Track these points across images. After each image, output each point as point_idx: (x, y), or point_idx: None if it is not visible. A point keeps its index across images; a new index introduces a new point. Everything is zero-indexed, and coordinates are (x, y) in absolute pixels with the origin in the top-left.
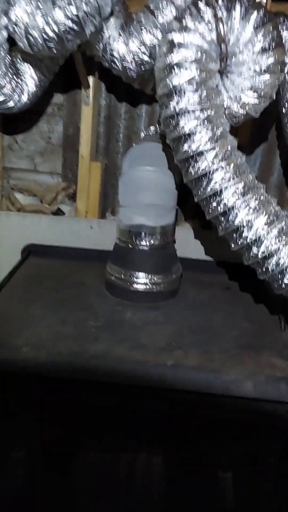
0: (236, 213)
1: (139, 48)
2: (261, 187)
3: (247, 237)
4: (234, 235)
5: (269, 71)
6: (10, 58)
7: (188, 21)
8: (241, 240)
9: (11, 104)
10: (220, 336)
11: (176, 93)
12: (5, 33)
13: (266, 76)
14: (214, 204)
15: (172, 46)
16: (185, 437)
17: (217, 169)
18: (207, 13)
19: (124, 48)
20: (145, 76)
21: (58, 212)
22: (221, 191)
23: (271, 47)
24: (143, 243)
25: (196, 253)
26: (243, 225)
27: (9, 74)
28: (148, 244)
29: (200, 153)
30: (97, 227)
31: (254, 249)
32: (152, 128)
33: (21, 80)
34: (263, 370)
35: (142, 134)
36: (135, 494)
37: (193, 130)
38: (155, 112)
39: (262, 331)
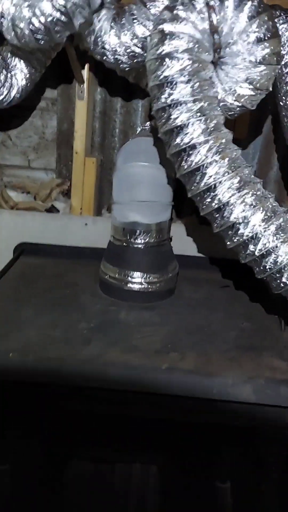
0: (232, 209)
1: (131, 40)
2: (257, 182)
3: (243, 234)
4: (230, 232)
5: (264, 62)
6: None
7: (180, 11)
8: (237, 237)
9: None
10: (218, 337)
11: (167, 85)
12: None
13: (262, 67)
14: (208, 199)
15: (163, 36)
16: (182, 445)
17: (211, 163)
18: (199, 2)
19: (116, 40)
20: (140, 69)
21: (52, 209)
22: (215, 185)
23: (266, 37)
24: (138, 241)
25: (193, 250)
26: (238, 222)
27: None
28: (143, 242)
29: (193, 146)
30: (92, 225)
31: (251, 247)
32: (149, 123)
33: (11, 74)
34: (263, 372)
35: (139, 129)
36: (130, 505)
37: (186, 122)
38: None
39: (262, 331)
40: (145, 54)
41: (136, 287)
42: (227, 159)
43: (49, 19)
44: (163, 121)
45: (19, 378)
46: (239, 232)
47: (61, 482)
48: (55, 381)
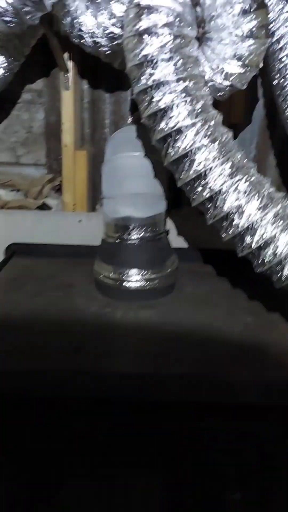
0: (224, 198)
1: (109, 20)
2: (251, 167)
3: (238, 224)
4: (224, 223)
5: (252, 36)
6: None
7: None
8: (232, 228)
9: None
10: (222, 334)
11: (147, 64)
12: None
13: (250, 42)
14: (199, 188)
15: (140, 10)
16: (186, 454)
17: (199, 148)
18: None
19: (93, 21)
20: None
21: (44, 207)
22: (205, 173)
23: (252, 8)
24: (132, 236)
25: (193, 242)
26: (232, 212)
27: None
28: (137, 238)
29: (179, 130)
30: (87, 221)
31: (248, 239)
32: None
33: None
34: (269, 372)
35: (130, 119)
36: None
37: (169, 104)
38: None
39: (268, 326)
40: None
41: (133, 285)
42: (217, 142)
43: None
44: (145, 104)
45: (4, 391)
46: (234, 223)
47: (55, 505)
48: (45, 394)
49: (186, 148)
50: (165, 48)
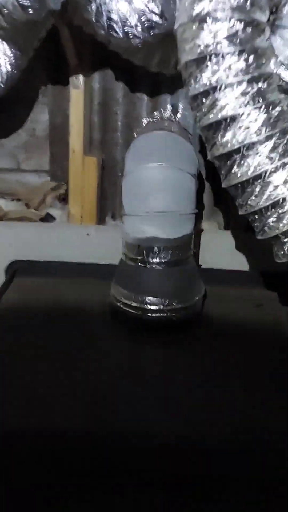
0: None
1: (147, 6)
2: None
3: None
4: None
5: None
6: None
7: None
8: None
9: None
10: (259, 375)
11: (210, 58)
12: None
13: None
14: (273, 218)
15: None
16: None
17: (276, 169)
18: None
19: (127, 6)
20: (152, 46)
21: (48, 218)
22: (284, 200)
23: None
24: (157, 260)
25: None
26: None
27: None
28: (163, 261)
29: (251, 145)
30: (95, 235)
31: None
32: (156, 113)
33: None
34: None
35: (145, 121)
36: None
37: (239, 111)
38: (161, 94)
39: None
40: (165, 24)
41: (156, 315)
42: None
43: None
44: (204, 110)
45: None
46: None
47: None
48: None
49: (259, 169)
50: (234, 38)
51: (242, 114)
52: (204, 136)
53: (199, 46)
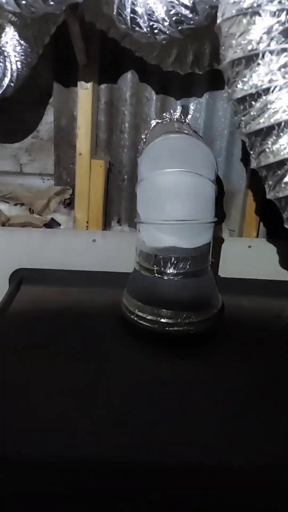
0: None
1: None
2: None
3: None
4: None
5: None
6: None
7: None
8: None
9: None
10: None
11: (263, 56)
12: None
13: None
14: None
15: None
16: None
17: None
18: None
19: None
20: (171, 44)
21: (52, 224)
22: None
23: None
24: (174, 270)
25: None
26: None
27: None
28: (181, 272)
29: None
30: (102, 241)
31: None
32: (166, 114)
33: (2, 56)
34: None
35: (154, 123)
36: None
37: None
38: (171, 94)
39: None
40: (197, 18)
41: (174, 329)
42: None
43: None
44: (253, 113)
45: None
46: None
47: None
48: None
49: None
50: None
51: None
52: (249, 143)
53: (249, 42)
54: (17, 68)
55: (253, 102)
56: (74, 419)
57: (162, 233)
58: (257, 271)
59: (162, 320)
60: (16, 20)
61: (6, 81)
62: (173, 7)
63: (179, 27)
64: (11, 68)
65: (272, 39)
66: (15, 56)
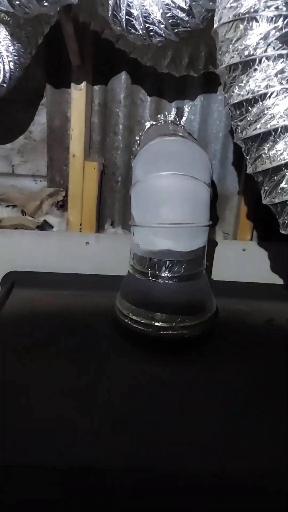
0: None
1: (173, 0)
2: None
3: None
4: None
5: None
6: None
7: None
8: None
9: None
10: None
11: (260, 61)
12: None
13: None
14: None
15: None
16: None
17: None
18: None
19: (149, 0)
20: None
21: (45, 226)
22: None
23: None
24: (169, 274)
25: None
26: None
27: None
28: (175, 275)
29: None
30: (95, 243)
31: None
32: (160, 116)
33: None
34: None
35: (148, 124)
36: None
37: None
38: (165, 96)
39: None
40: (193, 21)
41: (169, 332)
42: None
43: None
44: (249, 119)
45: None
46: None
47: None
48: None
49: None
50: (284, 38)
51: None
52: (245, 148)
53: (246, 47)
54: (10, 69)
55: (249, 108)
56: (64, 416)
57: (157, 236)
58: (251, 274)
59: (157, 323)
60: (9, 20)
61: None
62: (169, 9)
63: (175, 30)
64: (4, 69)
65: (269, 44)
66: (8, 56)
